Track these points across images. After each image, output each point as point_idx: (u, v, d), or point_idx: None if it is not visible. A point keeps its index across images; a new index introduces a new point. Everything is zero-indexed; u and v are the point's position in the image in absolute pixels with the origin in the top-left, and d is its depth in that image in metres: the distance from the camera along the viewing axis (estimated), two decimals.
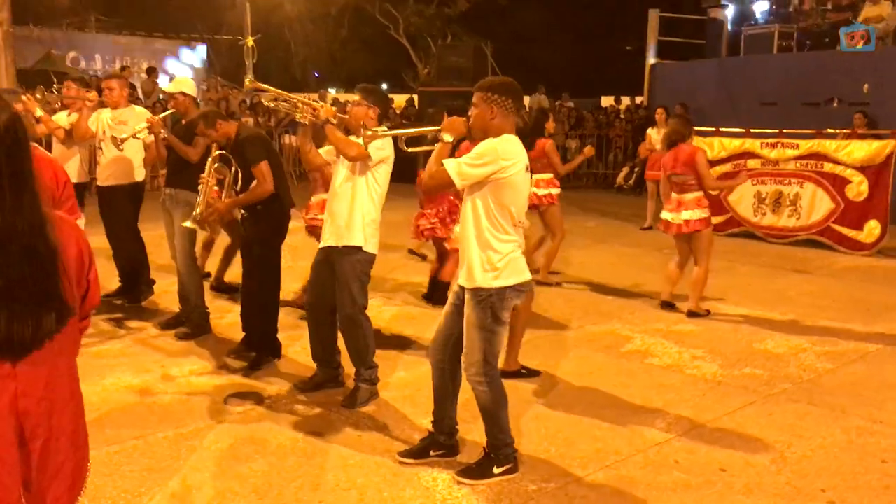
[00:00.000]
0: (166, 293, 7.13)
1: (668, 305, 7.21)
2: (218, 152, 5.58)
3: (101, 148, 7.00)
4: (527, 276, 3.92)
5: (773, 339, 6.40)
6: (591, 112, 18.97)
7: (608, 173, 17.42)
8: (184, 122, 6.29)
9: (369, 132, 4.40)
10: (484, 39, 25.72)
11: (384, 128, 4.77)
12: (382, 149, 4.75)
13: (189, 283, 6.16)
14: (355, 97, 4.89)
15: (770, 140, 10.76)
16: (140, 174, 7.05)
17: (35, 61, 22.98)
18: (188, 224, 5.66)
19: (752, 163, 10.81)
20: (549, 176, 7.95)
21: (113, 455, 4.15)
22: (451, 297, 4.09)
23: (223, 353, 5.74)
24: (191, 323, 6.19)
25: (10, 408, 2.08)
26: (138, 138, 6.53)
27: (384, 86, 36.91)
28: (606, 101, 23.47)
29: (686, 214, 6.86)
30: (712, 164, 10.88)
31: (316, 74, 37.88)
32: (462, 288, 3.94)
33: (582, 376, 5.50)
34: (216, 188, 5.64)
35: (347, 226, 4.77)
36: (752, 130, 11.09)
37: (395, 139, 4.62)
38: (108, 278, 7.58)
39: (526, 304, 5.39)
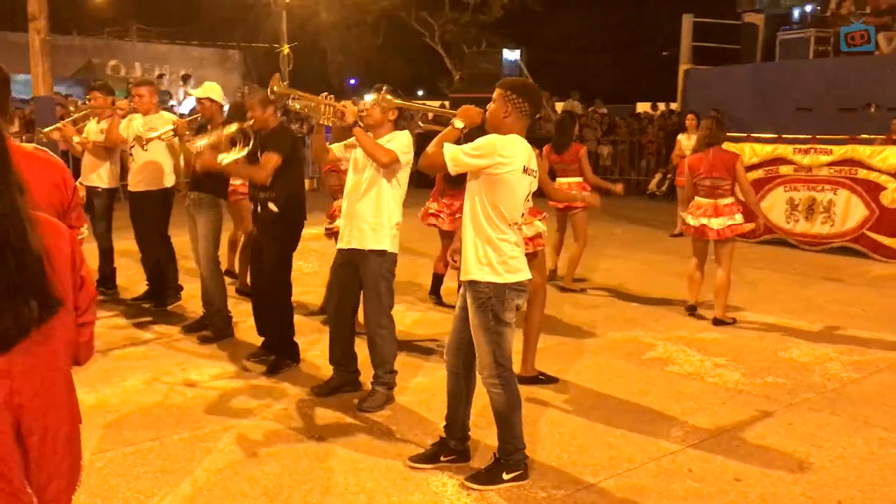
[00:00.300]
0: (193, 297, 7.19)
1: (694, 309, 7.14)
2: (246, 125, 5.61)
3: (131, 154, 7.10)
4: (525, 275, 3.92)
5: (798, 348, 6.30)
6: (624, 118, 18.83)
7: (640, 180, 17.26)
8: (209, 127, 6.35)
9: (388, 97, 4.44)
10: (519, 46, 25.80)
11: (400, 101, 4.80)
12: (408, 153, 4.83)
13: (212, 287, 6.23)
14: (373, 96, 4.89)
15: (803, 146, 10.60)
16: (170, 180, 7.14)
17: (76, 70, 23.43)
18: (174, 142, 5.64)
19: (784, 169, 10.66)
20: (579, 180, 7.94)
21: (128, 456, 4.20)
22: (458, 301, 4.10)
23: (244, 357, 5.79)
24: (213, 327, 6.25)
25: (6, 403, 2.11)
26: (163, 140, 6.61)
27: (419, 92, 37.13)
28: (643, 107, 23.34)
29: (729, 220, 6.80)
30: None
31: (352, 82, 38.16)
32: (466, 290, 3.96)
33: (601, 383, 5.46)
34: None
35: (374, 229, 4.81)
36: (784, 136, 10.93)
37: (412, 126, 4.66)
38: (137, 282, 7.72)
39: (538, 309, 5.39)
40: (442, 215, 6.84)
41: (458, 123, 3.94)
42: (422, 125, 4.63)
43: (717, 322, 6.88)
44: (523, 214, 3.95)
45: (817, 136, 10.63)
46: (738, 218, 6.85)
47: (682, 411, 4.97)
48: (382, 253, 4.82)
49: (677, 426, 4.73)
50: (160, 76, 20.15)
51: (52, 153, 2.94)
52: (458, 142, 3.92)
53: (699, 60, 18.27)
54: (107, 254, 7.53)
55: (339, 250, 4.98)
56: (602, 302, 7.76)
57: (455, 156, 3.79)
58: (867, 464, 4.26)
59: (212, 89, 6.49)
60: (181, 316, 6.96)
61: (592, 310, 7.41)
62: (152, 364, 5.69)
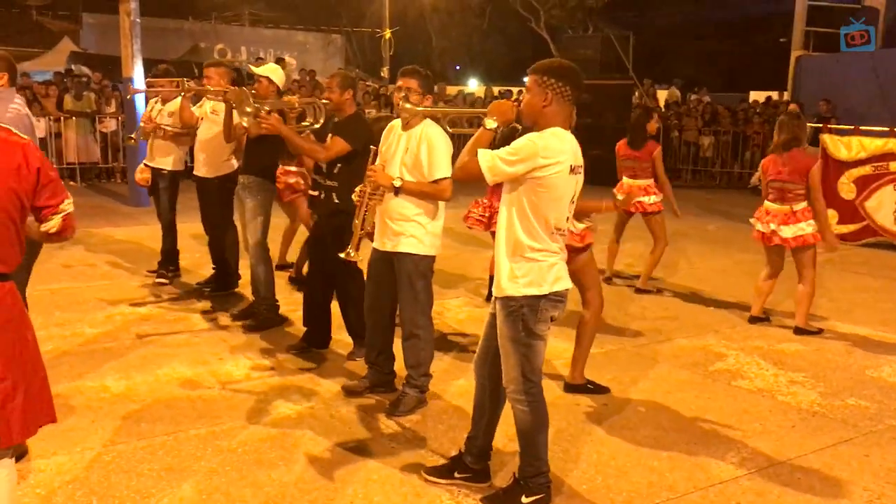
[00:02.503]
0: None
1: (759, 320, 6.57)
2: (321, 101, 5.43)
3: (197, 137, 6.99)
4: (565, 283, 3.51)
5: (890, 366, 5.65)
6: (728, 108, 17.86)
7: (743, 173, 16.35)
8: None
9: (408, 106, 4.10)
10: (627, 31, 25.05)
11: (425, 105, 4.45)
12: (449, 155, 4.52)
13: (260, 274, 6.05)
14: (403, 83, 4.56)
15: None
16: (234, 165, 7.00)
17: (183, 53, 24.02)
18: (243, 120, 5.39)
19: (895, 165, 9.76)
20: (650, 182, 7.42)
21: (138, 451, 4.04)
22: (490, 307, 3.74)
23: (284, 349, 5.59)
24: (259, 315, 6.09)
25: None
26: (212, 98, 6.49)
27: (525, 79, 36.56)
28: (756, 96, 22.10)
29: (804, 227, 6.18)
30: (850, 165, 10.03)
31: (457, 67, 37.91)
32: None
33: (657, 396, 5.00)
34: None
35: (408, 230, 4.51)
36: None
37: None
38: (202, 265, 7.67)
39: (594, 314, 4.97)
40: (483, 220, 6.45)
41: (490, 123, 3.48)
42: (449, 129, 4.27)
43: (799, 331, 6.28)
44: (568, 218, 3.52)
45: None
46: (809, 227, 6.19)
47: (743, 434, 4.48)
48: (417, 255, 4.52)
49: (734, 451, 4.25)
50: (258, 59, 20.36)
51: (15, 132, 2.74)
52: (492, 145, 3.53)
53: (816, 47, 17.15)
54: (169, 229, 7.41)
55: (374, 248, 4.69)
56: (675, 304, 7.22)
57: (492, 164, 3.36)
58: None
59: (273, 70, 6.30)
60: (237, 303, 6.82)
61: (662, 312, 6.89)
62: (192, 352, 5.55)
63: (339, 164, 5.12)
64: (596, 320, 5.02)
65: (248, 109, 5.32)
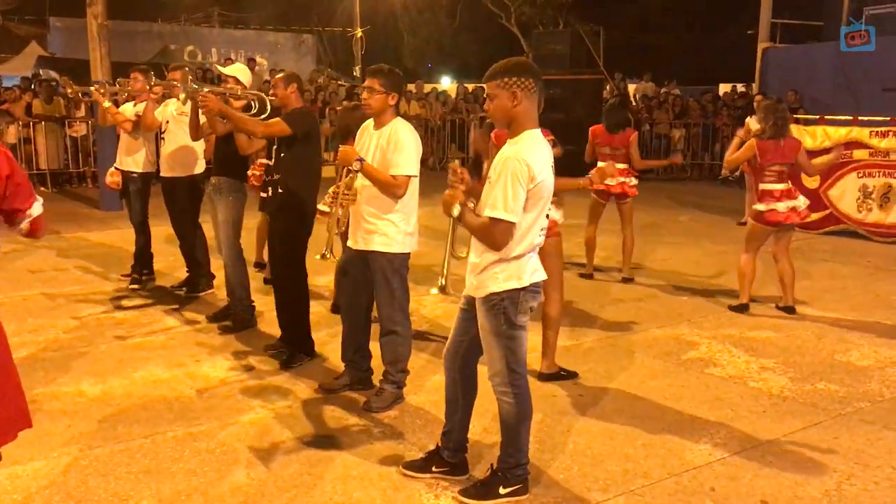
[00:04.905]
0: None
1: (745, 308, 6.66)
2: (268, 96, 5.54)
3: (163, 139, 6.99)
4: (541, 275, 3.56)
5: (859, 350, 5.76)
6: (697, 100, 18.02)
7: (714, 164, 16.51)
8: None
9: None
10: (597, 27, 25.19)
11: (390, 104, 4.52)
12: (417, 156, 4.59)
13: (233, 275, 6.05)
14: (367, 82, 4.59)
15: (881, 129, 9.82)
16: (201, 166, 7.01)
17: (153, 55, 23.80)
18: (181, 95, 5.42)
19: (858, 153, 9.91)
20: (625, 166, 7.51)
21: (116, 454, 4.04)
22: (461, 301, 3.78)
23: (261, 349, 5.60)
24: (235, 317, 6.09)
25: None
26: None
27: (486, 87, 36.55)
28: (725, 89, 22.30)
29: (796, 203, 6.52)
30: (814, 154, 10.11)
31: (429, 65, 37.90)
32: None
33: (631, 385, 5.07)
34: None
35: (380, 230, 4.55)
36: (860, 118, 10.15)
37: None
38: (176, 268, 7.65)
39: (555, 300, 5.04)
40: None
41: (455, 211, 3.44)
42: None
43: (790, 310, 6.62)
44: (548, 215, 3.56)
45: None
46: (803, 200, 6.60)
47: (715, 420, 4.55)
48: (390, 253, 4.56)
49: (707, 437, 4.32)
50: (227, 60, 20.25)
51: None
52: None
53: (782, 38, 17.34)
54: (141, 231, 7.37)
55: (347, 248, 4.72)
56: (649, 294, 7.30)
57: (513, 208, 3.30)
58: None
59: (240, 70, 6.30)
60: (212, 304, 6.82)
61: (636, 303, 6.97)
62: (168, 354, 5.55)
63: (281, 153, 5.18)
64: (559, 306, 5.10)
65: (188, 89, 5.38)
